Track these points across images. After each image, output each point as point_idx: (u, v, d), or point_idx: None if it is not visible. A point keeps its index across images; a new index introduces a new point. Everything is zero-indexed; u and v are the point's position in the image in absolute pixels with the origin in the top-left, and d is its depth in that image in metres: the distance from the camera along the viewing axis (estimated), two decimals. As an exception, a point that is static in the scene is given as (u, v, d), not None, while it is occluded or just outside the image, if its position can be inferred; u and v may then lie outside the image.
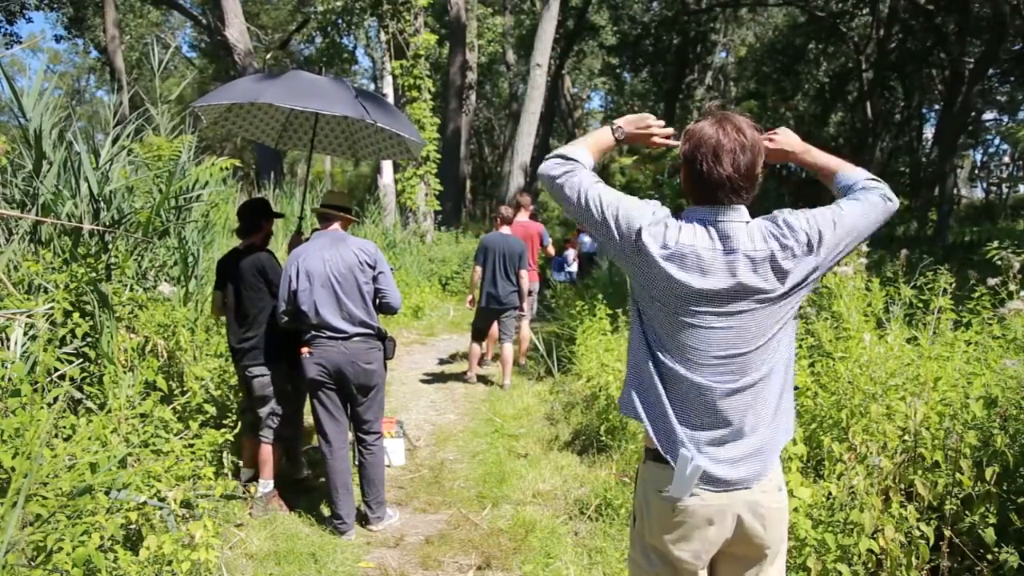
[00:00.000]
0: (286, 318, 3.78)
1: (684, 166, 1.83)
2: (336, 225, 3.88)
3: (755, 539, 1.85)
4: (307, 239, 4.33)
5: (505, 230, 6.90)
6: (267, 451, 4.06)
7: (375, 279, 3.79)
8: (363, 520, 3.95)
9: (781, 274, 1.74)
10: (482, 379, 7.24)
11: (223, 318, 4.24)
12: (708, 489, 1.79)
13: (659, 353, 1.82)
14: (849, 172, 1.95)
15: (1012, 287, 3.73)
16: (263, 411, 4.01)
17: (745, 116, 1.83)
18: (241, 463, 4.26)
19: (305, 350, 3.74)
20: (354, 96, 3.88)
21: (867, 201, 1.85)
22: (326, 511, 4.01)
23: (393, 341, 3.96)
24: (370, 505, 3.91)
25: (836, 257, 1.81)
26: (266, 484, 4.06)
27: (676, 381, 1.80)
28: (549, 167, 1.98)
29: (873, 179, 1.92)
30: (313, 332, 3.72)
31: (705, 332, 1.76)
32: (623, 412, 1.94)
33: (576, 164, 1.95)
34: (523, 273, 6.83)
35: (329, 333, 3.70)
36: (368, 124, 4.39)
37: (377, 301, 3.86)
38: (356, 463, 4.06)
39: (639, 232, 1.78)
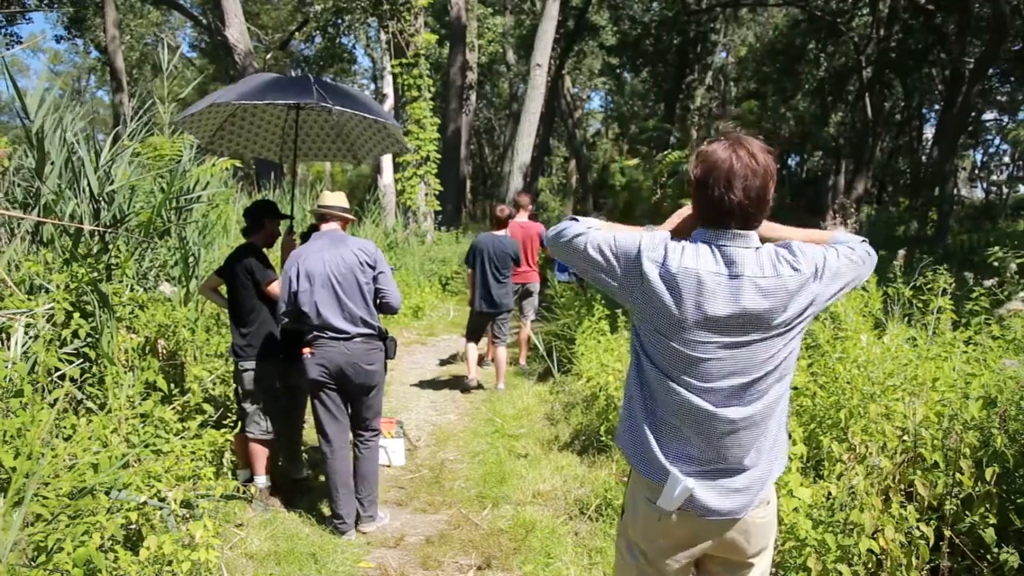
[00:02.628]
0: (287, 319, 3.79)
1: (695, 188, 1.80)
2: (335, 225, 3.88)
3: (738, 550, 1.87)
4: (298, 236, 4.35)
5: (499, 231, 6.86)
6: (255, 447, 4.07)
7: (375, 279, 3.79)
8: (355, 519, 3.93)
9: (788, 300, 1.71)
10: (480, 382, 7.23)
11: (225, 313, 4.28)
12: (697, 514, 1.79)
13: (660, 384, 1.79)
14: (836, 236, 1.91)
15: (1010, 288, 3.73)
16: (249, 407, 4.02)
17: (759, 139, 1.79)
18: (238, 464, 4.26)
19: (307, 351, 3.75)
20: (312, 84, 3.86)
21: (863, 255, 1.84)
22: (326, 511, 4.01)
23: (394, 340, 3.97)
24: (362, 503, 3.91)
25: (832, 294, 1.79)
26: (261, 480, 4.07)
27: (676, 413, 1.77)
28: (557, 234, 1.91)
29: (855, 240, 1.88)
30: (315, 333, 3.72)
31: (708, 363, 1.73)
32: (617, 444, 1.94)
33: (577, 226, 1.89)
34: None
35: (331, 334, 3.70)
36: (342, 115, 4.38)
37: (377, 301, 3.86)
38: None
39: (638, 257, 1.75)
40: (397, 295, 3.89)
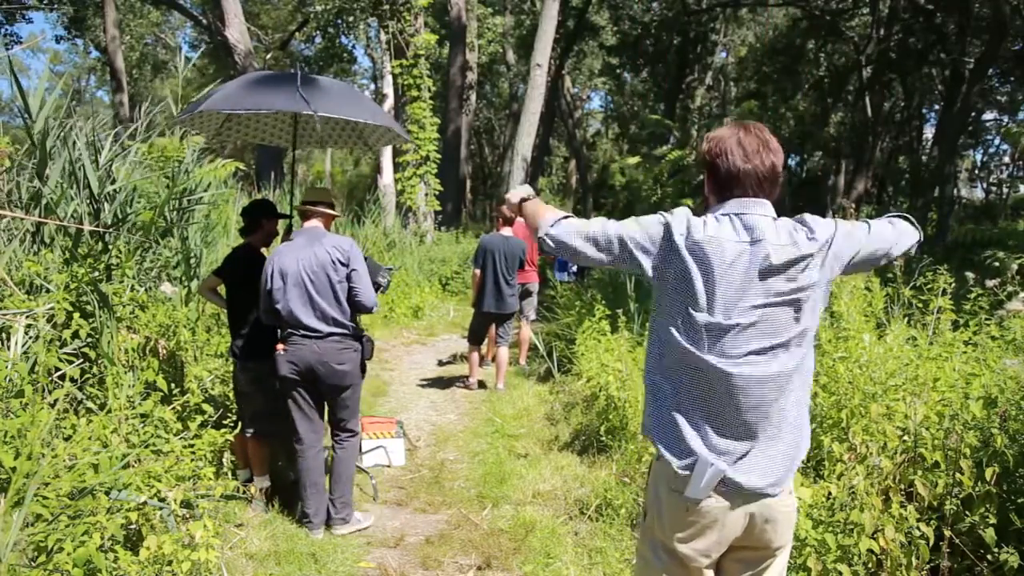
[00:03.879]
0: (265, 316, 3.78)
1: (708, 167, 1.90)
2: (316, 222, 3.81)
3: (764, 540, 1.87)
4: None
5: (506, 231, 6.81)
6: (255, 447, 4.07)
7: (349, 277, 3.71)
8: (327, 520, 3.88)
9: (804, 266, 1.78)
10: (481, 381, 7.23)
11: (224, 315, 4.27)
12: (727, 495, 1.80)
13: (686, 366, 1.80)
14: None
15: (1010, 288, 3.73)
16: (249, 407, 4.02)
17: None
18: (238, 464, 4.26)
19: (280, 347, 3.72)
20: (296, 88, 3.72)
21: (896, 225, 1.96)
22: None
23: (370, 340, 3.89)
24: (334, 503, 3.86)
25: (843, 264, 1.88)
26: (261, 480, 4.07)
27: (703, 395, 1.79)
28: (571, 244, 1.92)
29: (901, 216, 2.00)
30: (289, 330, 3.70)
31: (735, 330, 1.76)
32: (646, 434, 1.94)
33: (580, 230, 1.93)
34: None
35: (303, 332, 3.67)
36: (328, 120, 4.28)
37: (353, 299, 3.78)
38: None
39: (668, 234, 1.81)
40: (370, 294, 3.78)
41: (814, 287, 1.80)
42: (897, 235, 1.97)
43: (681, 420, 1.82)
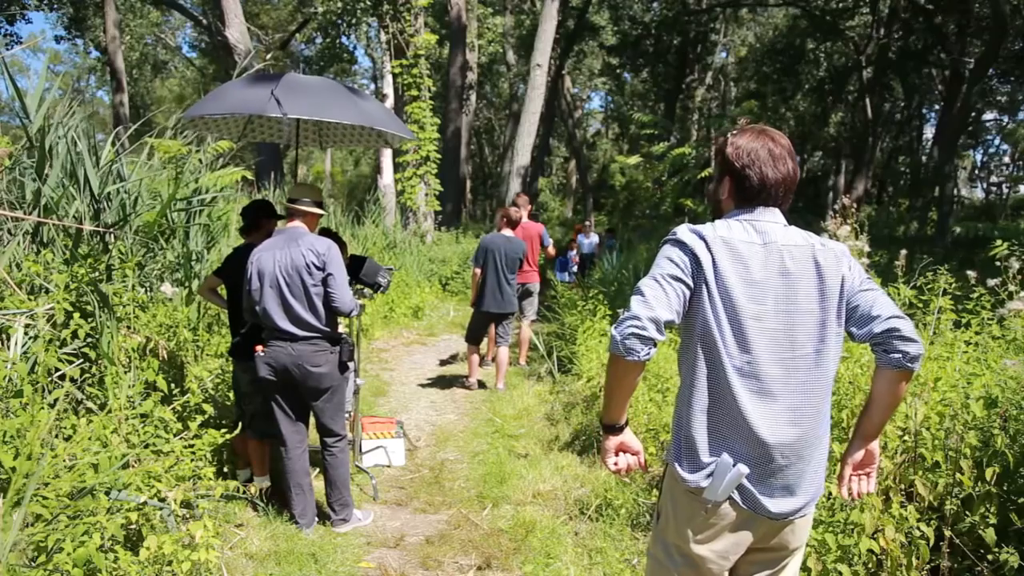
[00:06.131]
0: (246, 315, 3.77)
1: (731, 176, 1.89)
2: (297, 221, 3.75)
3: (783, 542, 1.87)
4: None
5: (507, 232, 6.83)
6: (255, 447, 4.07)
7: (325, 281, 3.62)
8: (328, 522, 3.90)
9: (817, 269, 1.80)
10: (481, 381, 7.23)
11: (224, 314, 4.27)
12: (752, 512, 1.80)
13: (716, 383, 1.79)
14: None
15: (1012, 287, 3.72)
16: (249, 407, 4.02)
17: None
18: (238, 464, 4.26)
19: (259, 348, 3.70)
20: (271, 91, 3.65)
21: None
22: (325, 511, 4.01)
23: (348, 343, 3.82)
24: (333, 507, 3.87)
25: (859, 286, 1.83)
26: (261, 480, 4.07)
27: (734, 412, 1.77)
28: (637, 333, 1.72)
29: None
30: (266, 332, 3.69)
31: (757, 334, 1.75)
32: (667, 459, 1.93)
33: (642, 320, 1.73)
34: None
35: (279, 334, 3.65)
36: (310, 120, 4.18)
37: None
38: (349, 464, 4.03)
39: (688, 251, 1.79)
40: (347, 300, 3.69)
41: (828, 296, 1.80)
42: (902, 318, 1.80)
43: (707, 439, 1.81)
